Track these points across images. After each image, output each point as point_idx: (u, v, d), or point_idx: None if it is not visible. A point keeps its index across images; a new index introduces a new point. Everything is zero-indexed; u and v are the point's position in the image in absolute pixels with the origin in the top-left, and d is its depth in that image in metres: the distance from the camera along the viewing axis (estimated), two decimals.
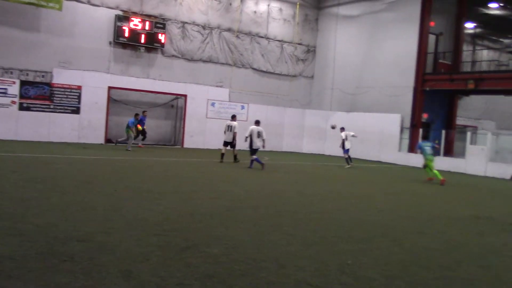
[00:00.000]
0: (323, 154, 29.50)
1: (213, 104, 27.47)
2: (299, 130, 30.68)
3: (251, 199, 10.57)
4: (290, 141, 30.38)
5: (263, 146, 17.93)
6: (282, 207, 9.83)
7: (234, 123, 19.25)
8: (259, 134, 17.62)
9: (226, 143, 19.24)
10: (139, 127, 23.02)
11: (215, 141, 27.05)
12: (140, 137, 23.58)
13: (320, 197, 11.84)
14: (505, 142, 26.54)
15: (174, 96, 26.96)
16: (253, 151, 17.63)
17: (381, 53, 28.26)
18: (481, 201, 14.05)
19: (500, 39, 38.03)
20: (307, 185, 14.27)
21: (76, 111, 23.55)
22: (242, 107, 28.34)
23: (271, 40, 29.70)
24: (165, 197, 9.92)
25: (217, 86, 27.77)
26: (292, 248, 6.58)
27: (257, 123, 18.29)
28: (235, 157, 19.25)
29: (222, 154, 18.98)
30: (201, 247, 6.25)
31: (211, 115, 27.34)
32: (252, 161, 17.44)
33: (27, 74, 22.40)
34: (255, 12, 29.03)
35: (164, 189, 11.04)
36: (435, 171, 17.27)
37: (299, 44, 30.89)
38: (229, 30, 28.00)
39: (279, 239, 7.01)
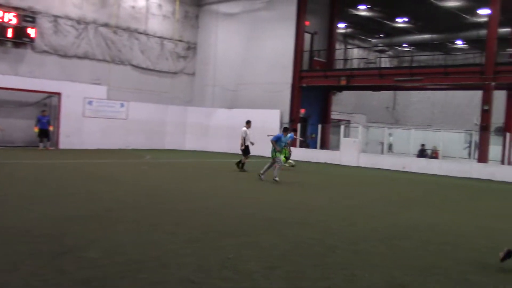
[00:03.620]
0: (206, 151, 29.59)
1: (90, 103, 26.23)
2: (181, 127, 30.43)
3: (131, 199, 10.28)
4: (172, 139, 29.98)
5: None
6: (164, 206, 9.68)
7: (243, 129, 18.28)
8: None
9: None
10: (36, 129, 23.02)
11: (94, 141, 25.99)
12: (44, 139, 23.36)
13: (204, 193, 11.85)
14: (374, 135, 28.64)
15: (47, 95, 25.34)
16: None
17: (261, 50, 28.98)
18: (354, 190, 14.95)
19: (368, 39, 40.84)
20: (190, 182, 14.22)
21: None
22: (122, 105, 27.44)
23: (150, 36, 29.11)
24: (38, 201, 9.31)
25: (94, 84, 26.59)
26: (174, 246, 6.51)
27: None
28: (241, 164, 18.01)
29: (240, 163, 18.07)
30: (77, 252, 5.95)
31: (88, 114, 26.09)
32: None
33: None
34: (133, 7, 28.26)
35: (37, 193, 10.35)
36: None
37: (179, 41, 30.64)
38: (106, 25, 26.95)
39: (161, 238, 6.91)
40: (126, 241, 6.64)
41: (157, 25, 29.46)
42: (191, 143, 30.29)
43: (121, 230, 7.31)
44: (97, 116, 26.25)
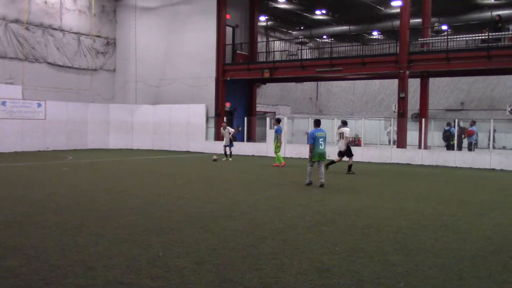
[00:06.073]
0: (131, 149, 28.96)
1: (4, 103, 24.82)
2: (104, 125, 29.53)
3: (53, 202, 9.86)
4: (95, 138, 29.02)
5: None
6: (89, 207, 9.38)
7: (346, 129, 16.88)
8: None
9: (340, 153, 17.15)
10: None
11: (9, 144, 24.63)
12: None
13: (129, 192, 11.58)
14: (299, 125, 29.22)
15: None
16: None
17: (182, 45, 28.70)
18: (280, 181, 15.12)
19: (289, 31, 41.53)
20: (115, 181, 13.85)
21: None
22: (39, 105, 26.18)
23: (66, 32, 27.96)
24: None
25: (7, 84, 25.19)
26: (100, 248, 6.33)
27: None
28: (349, 167, 16.97)
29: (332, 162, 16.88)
30: None
31: (3, 116, 24.69)
32: None
33: None
34: (45, 2, 26.98)
35: None
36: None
37: (97, 36, 29.66)
38: (17, 21, 25.58)
39: (86, 241, 6.68)
40: (48, 246, 6.37)
41: (73, 20, 28.33)
42: (115, 141, 29.50)
43: (42, 235, 7.00)
44: (12, 118, 24.90)
